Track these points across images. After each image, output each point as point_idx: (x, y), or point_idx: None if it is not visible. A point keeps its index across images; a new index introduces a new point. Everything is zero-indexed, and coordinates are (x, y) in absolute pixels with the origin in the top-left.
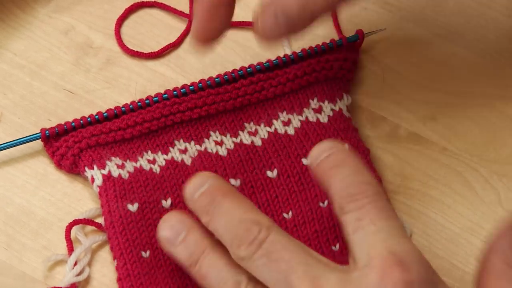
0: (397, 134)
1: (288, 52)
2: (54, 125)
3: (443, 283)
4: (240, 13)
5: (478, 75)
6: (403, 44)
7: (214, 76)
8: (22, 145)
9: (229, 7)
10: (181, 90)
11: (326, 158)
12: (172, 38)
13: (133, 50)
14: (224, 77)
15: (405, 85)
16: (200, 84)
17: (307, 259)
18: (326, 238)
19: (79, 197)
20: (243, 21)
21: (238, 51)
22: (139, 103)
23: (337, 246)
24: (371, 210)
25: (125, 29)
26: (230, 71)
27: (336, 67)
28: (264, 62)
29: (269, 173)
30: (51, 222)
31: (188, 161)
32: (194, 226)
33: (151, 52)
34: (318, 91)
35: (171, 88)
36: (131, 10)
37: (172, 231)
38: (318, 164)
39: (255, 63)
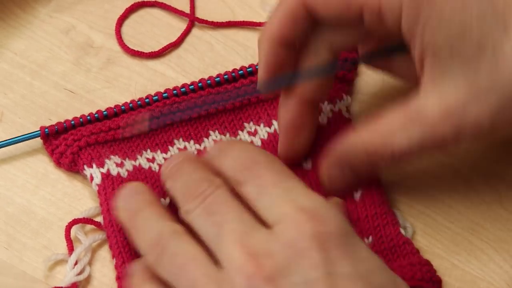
0: None
1: None
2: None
3: (358, 237)
4: (241, 13)
5: None
6: None
7: (214, 75)
8: (23, 144)
9: (309, 132)
10: (181, 90)
11: (213, 149)
12: (173, 38)
13: (134, 50)
14: (224, 76)
15: (405, 84)
16: (200, 84)
17: (243, 216)
18: None
19: (80, 196)
20: (244, 21)
21: (239, 51)
22: (139, 102)
23: None
24: (269, 174)
25: (126, 28)
26: (231, 70)
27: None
28: None
29: None
30: (51, 222)
31: None
32: (143, 191)
33: (152, 51)
34: None
35: (171, 88)
36: (131, 10)
37: (121, 195)
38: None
39: (255, 63)
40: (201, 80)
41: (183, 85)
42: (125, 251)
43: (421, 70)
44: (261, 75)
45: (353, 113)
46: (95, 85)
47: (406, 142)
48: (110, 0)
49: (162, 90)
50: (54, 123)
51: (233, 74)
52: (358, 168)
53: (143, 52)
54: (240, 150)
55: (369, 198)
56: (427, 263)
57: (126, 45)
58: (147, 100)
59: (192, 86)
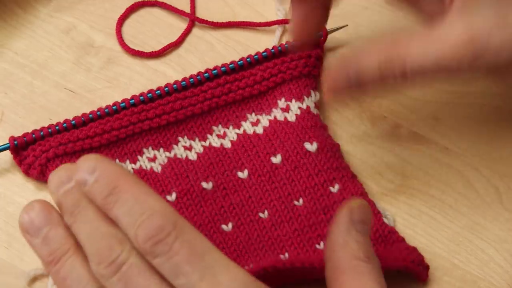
0: (398, 133)
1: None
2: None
3: None
4: (241, 13)
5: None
6: None
7: (180, 80)
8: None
9: (324, 10)
10: (148, 95)
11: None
12: (173, 37)
13: (134, 50)
14: (190, 80)
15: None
16: (167, 88)
17: (162, 287)
18: (309, 236)
19: None
20: (244, 21)
21: (239, 51)
22: (107, 110)
23: (321, 244)
24: (184, 248)
25: (126, 28)
26: (196, 73)
27: (300, 65)
28: (228, 63)
29: (240, 174)
30: None
31: (157, 169)
32: (60, 222)
33: (152, 51)
34: (285, 91)
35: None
36: (132, 10)
37: (35, 221)
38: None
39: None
40: (167, 85)
41: (150, 91)
42: None
43: (451, 3)
44: None
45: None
46: (95, 85)
47: (421, 57)
48: (110, 0)
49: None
50: (54, 123)
51: (198, 77)
52: (366, 76)
53: (144, 52)
54: (133, 194)
55: (348, 191)
56: (415, 250)
57: (126, 45)
58: (114, 107)
59: (158, 91)
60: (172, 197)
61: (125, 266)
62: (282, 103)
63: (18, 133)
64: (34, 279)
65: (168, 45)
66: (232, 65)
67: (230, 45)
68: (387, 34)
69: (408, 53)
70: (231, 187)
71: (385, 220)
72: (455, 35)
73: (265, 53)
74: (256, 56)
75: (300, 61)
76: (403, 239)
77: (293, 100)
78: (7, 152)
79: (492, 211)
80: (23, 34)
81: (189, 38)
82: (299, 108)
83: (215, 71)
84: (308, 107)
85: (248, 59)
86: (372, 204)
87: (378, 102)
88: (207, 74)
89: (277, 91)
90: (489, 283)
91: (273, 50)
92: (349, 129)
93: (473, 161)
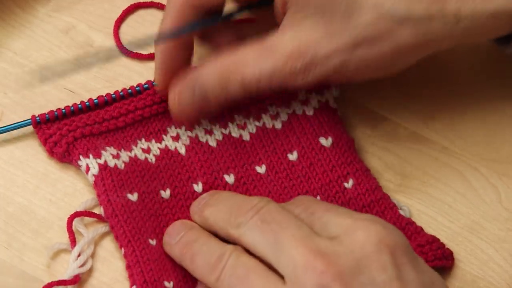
0: (397, 133)
1: None
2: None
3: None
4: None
5: (478, 75)
6: None
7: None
8: (23, 144)
9: (187, 51)
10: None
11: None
12: None
13: (132, 52)
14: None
15: (405, 84)
16: None
17: (300, 223)
18: None
19: (80, 196)
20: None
21: None
22: (130, 90)
23: None
24: (320, 204)
25: (125, 28)
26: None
27: None
28: None
29: (258, 169)
30: (51, 221)
31: (181, 149)
32: (194, 226)
33: (150, 53)
34: None
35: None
36: (129, 11)
37: (173, 233)
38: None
39: None
40: None
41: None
42: (134, 240)
43: (282, 16)
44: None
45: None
46: (95, 85)
47: (257, 71)
48: (109, 0)
49: None
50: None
51: None
52: (210, 91)
53: (142, 54)
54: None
55: (362, 186)
56: (434, 239)
57: (125, 48)
58: (137, 88)
59: None
60: (199, 187)
61: (263, 209)
62: (302, 95)
63: (18, 132)
64: (58, 252)
65: None
66: None
67: None
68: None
69: (244, 67)
70: (250, 181)
71: (401, 212)
72: (285, 45)
73: None
74: None
75: None
76: (421, 229)
77: (314, 93)
78: (7, 151)
79: (492, 210)
80: (22, 34)
81: None
82: (319, 101)
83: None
84: (327, 100)
85: None
86: (386, 197)
87: (378, 102)
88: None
89: None
90: (489, 283)
91: None
92: (348, 129)
93: (472, 161)
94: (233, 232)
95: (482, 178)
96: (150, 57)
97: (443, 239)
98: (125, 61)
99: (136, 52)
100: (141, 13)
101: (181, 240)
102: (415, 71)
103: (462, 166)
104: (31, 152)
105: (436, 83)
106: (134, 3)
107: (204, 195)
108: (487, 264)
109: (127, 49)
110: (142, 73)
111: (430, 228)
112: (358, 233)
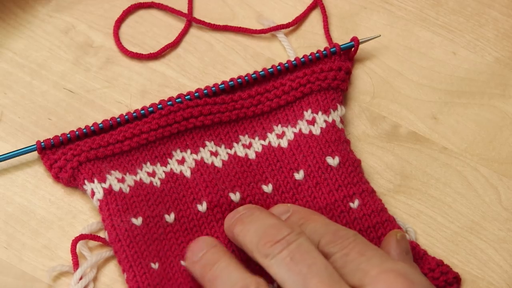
0: (397, 133)
1: (292, 56)
2: (54, 125)
3: None
4: (240, 13)
5: (478, 75)
6: (403, 44)
7: (214, 80)
8: (23, 143)
9: None
10: (176, 100)
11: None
12: (172, 38)
13: (132, 52)
14: (220, 86)
15: (405, 84)
16: (197, 94)
17: (329, 269)
18: None
19: (80, 196)
20: (240, 27)
21: (238, 50)
22: (135, 114)
23: None
24: (356, 245)
25: (125, 28)
26: (228, 80)
27: (330, 77)
28: (259, 71)
29: (264, 188)
30: (51, 221)
31: (187, 172)
32: (217, 244)
33: (150, 53)
34: (313, 102)
35: (170, 88)
36: (129, 11)
37: (195, 249)
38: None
39: (251, 72)
40: (197, 90)
41: (178, 96)
42: (136, 265)
43: None
44: None
45: (353, 112)
46: (94, 85)
47: None
48: (109, 0)
49: (162, 90)
50: (53, 122)
51: (231, 83)
52: None
53: (142, 54)
54: (324, 223)
55: (368, 206)
56: (441, 263)
57: (124, 48)
58: (142, 111)
59: (188, 96)
60: (203, 207)
61: (293, 244)
62: (308, 114)
63: (17, 133)
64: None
65: (165, 46)
66: (263, 72)
67: (229, 45)
68: None
69: None
70: (256, 200)
71: (407, 236)
72: None
73: (294, 61)
74: (286, 64)
75: (329, 73)
76: (425, 252)
77: (320, 113)
78: (7, 151)
79: (491, 211)
80: (22, 34)
81: (188, 38)
82: (325, 121)
83: (246, 78)
84: (333, 121)
85: (278, 67)
86: (392, 220)
87: (378, 102)
88: (240, 80)
89: (304, 102)
90: (488, 283)
91: (303, 59)
92: (348, 129)
93: (472, 161)
94: (261, 260)
95: (482, 178)
96: (150, 57)
97: (442, 239)
98: (124, 60)
99: (136, 53)
100: (141, 13)
101: (202, 259)
102: (415, 71)
103: (462, 166)
104: (31, 152)
105: (436, 83)
106: (134, 3)
107: (240, 208)
108: (487, 264)
109: (127, 49)
110: (141, 73)
111: (430, 228)
112: (383, 285)
